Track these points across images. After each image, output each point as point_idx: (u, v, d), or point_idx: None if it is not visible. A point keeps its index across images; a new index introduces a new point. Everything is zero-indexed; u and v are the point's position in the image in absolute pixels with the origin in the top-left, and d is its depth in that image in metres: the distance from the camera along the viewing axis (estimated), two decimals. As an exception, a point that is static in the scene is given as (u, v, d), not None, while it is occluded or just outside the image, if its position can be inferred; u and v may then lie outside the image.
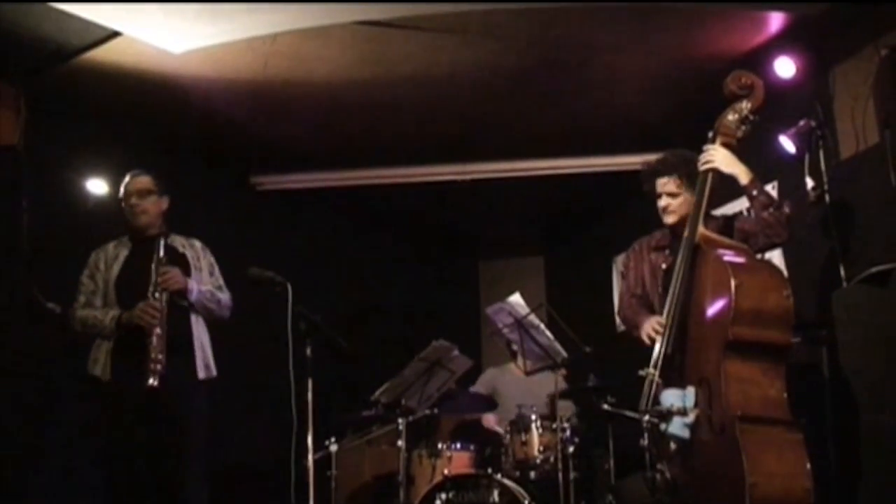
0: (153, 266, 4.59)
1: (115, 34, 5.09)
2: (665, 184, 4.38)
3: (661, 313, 4.22)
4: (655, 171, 4.43)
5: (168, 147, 6.12)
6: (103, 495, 4.51)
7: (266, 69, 5.59)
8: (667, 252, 4.43)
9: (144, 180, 4.78)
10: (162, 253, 4.62)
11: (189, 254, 4.82)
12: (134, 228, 4.75)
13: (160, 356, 4.40)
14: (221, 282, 4.87)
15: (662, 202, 4.40)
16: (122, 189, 4.79)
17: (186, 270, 4.72)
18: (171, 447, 4.51)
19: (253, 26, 5.07)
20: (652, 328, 4.21)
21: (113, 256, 4.70)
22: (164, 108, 5.97)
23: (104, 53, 5.28)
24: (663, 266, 4.39)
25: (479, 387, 6.59)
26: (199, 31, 5.07)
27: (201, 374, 4.66)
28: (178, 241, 4.82)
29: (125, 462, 4.44)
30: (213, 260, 4.90)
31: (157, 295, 4.52)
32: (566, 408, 6.02)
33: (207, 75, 5.64)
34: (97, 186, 5.85)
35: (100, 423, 4.54)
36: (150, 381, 4.34)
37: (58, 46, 5.19)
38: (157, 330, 4.45)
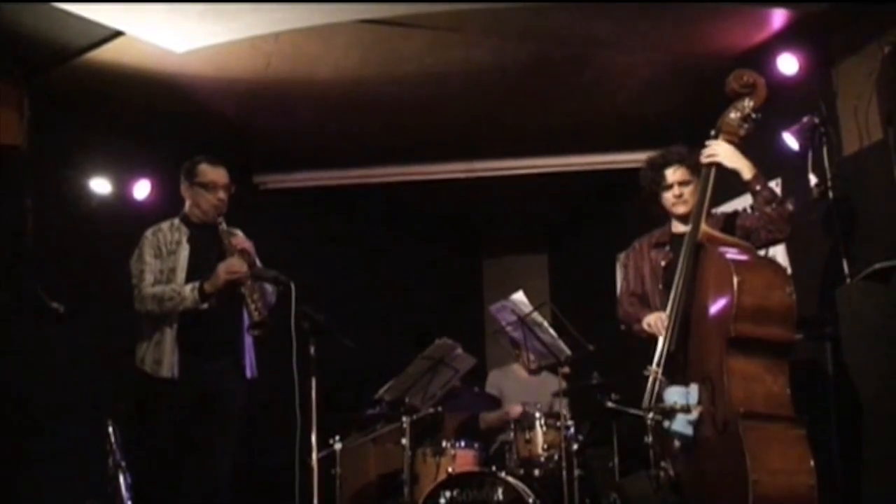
0: (222, 235, 4.63)
1: (118, 34, 5.09)
2: (675, 172, 4.39)
3: (662, 311, 4.23)
4: (665, 160, 4.42)
5: (171, 146, 6.12)
6: (132, 491, 4.55)
7: (269, 68, 5.59)
8: (666, 249, 4.43)
9: (226, 174, 4.77)
10: (224, 226, 4.67)
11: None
12: (204, 217, 4.71)
13: (256, 296, 4.49)
14: None
15: (675, 191, 4.38)
16: (201, 175, 4.72)
17: None
18: (212, 443, 4.58)
19: (255, 25, 5.07)
20: (656, 320, 4.20)
21: (174, 240, 4.66)
22: (167, 108, 5.97)
23: (107, 53, 5.28)
24: (663, 263, 4.40)
25: (490, 391, 6.59)
26: (202, 30, 5.08)
27: (248, 374, 4.73)
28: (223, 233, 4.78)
29: (165, 457, 4.50)
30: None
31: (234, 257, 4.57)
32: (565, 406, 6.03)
33: (210, 74, 5.64)
34: (100, 186, 5.85)
35: (154, 421, 4.56)
36: (258, 320, 4.43)
37: (61, 46, 5.19)
38: (248, 281, 4.51)
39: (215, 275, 4.51)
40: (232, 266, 4.52)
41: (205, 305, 4.51)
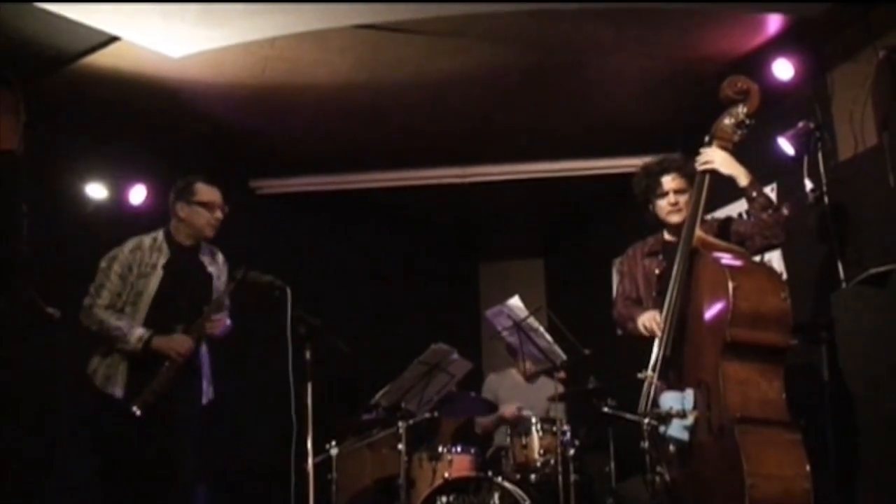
0: (209, 307, 4.57)
1: (114, 39, 5.09)
2: (672, 180, 4.37)
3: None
4: (662, 168, 4.41)
5: (167, 151, 6.13)
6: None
7: (265, 73, 5.60)
8: (660, 257, 4.43)
9: (220, 194, 4.73)
10: (225, 297, 4.65)
11: (214, 272, 4.75)
12: (196, 236, 4.67)
13: (162, 390, 4.36)
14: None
15: (671, 199, 4.36)
16: (200, 194, 4.64)
17: (210, 290, 4.69)
18: (170, 465, 4.45)
19: (251, 30, 5.08)
20: (650, 320, 4.20)
21: (149, 264, 4.54)
22: (163, 113, 5.97)
23: (103, 58, 5.28)
24: (656, 272, 4.40)
25: (487, 395, 6.59)
26: (198, 35, 5.08)
27: (204, 400, 4.66)
28: (206, 258, 4.75)
29: (126, 477, 4.37)
30: (226, 277, 4.80)
31: (193, 335, 4.50)
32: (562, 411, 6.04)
33: (206, 79, 5.64)
34: (96, 191, 5.86)
35: (102, 437, 4.48)
36: (136, 409, 4.28)
37: (57, 51, 5.19)
38: (177, 368, 4.43)
39: (168, 340, 4.42)
40: (183, 348, 4.44)
41: (141, 354, 4.40)
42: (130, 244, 4.60)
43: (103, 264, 4.57)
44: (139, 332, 4.42)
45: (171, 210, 4.69)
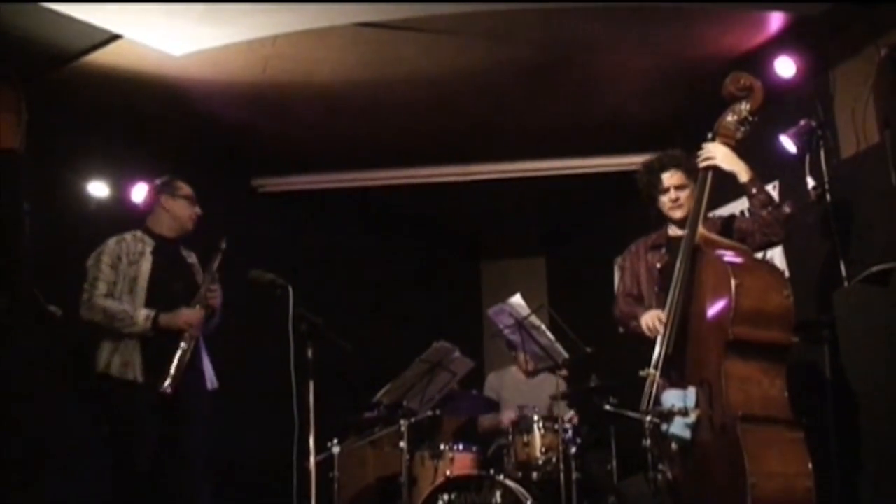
0: (204, 278, 4.77)
1: (116, 37, 5.10)
2: (672, 176, 4.39)
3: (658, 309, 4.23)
4: (662, 164, 4.42)
5: (169, 150, 6.12)
6: (110, 494, 4.54)
7: (266, 71, 5.60)
8: (662, 251, 4.44)
9: None
10: (215, 268, 4.77)
11: (195, 264, 4.96)
12: (179, 229, 4.85)
13: (184, 366, 4.50)
14: None
15: (671, 195, 4.38)
16: (182, 189, 4.88)
17: (195, 279, 4.87)
18: (181, 452, 4.59)
19: (254, 28, 5.08)
20: (652, 319, 4.20)
21: (137, 252, 4.70)
22: (165, 111, 5.98)
23: (105, 56, 5.28)
24: (658, 266, 4.40)
25: (489, 394, 6.59)
26: (200, 33, 5.08)
27: (209, 386, 4.79)
28: (185, 253, 4.95)
29: (139, 464, 4.46)
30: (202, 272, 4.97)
31: (198, 306, 4.67)
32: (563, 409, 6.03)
33: (208, 78, 5.64)
34: (98, 189, 5.86)
35: (116, 423, 4.58)
36: (167, 386, 4.42)
37: (59, 49, 5.19)
38: (192, 342, 4.58)
39: (175, 315, 4.58)
40: (193, 319, 4.61)
41: (151, 334, 4.53)
42: (113, 239, 4.76)
43: (91, 262, 4.71)
44: (144, 311, 4.57)
45: (155, 203, 4.88)
